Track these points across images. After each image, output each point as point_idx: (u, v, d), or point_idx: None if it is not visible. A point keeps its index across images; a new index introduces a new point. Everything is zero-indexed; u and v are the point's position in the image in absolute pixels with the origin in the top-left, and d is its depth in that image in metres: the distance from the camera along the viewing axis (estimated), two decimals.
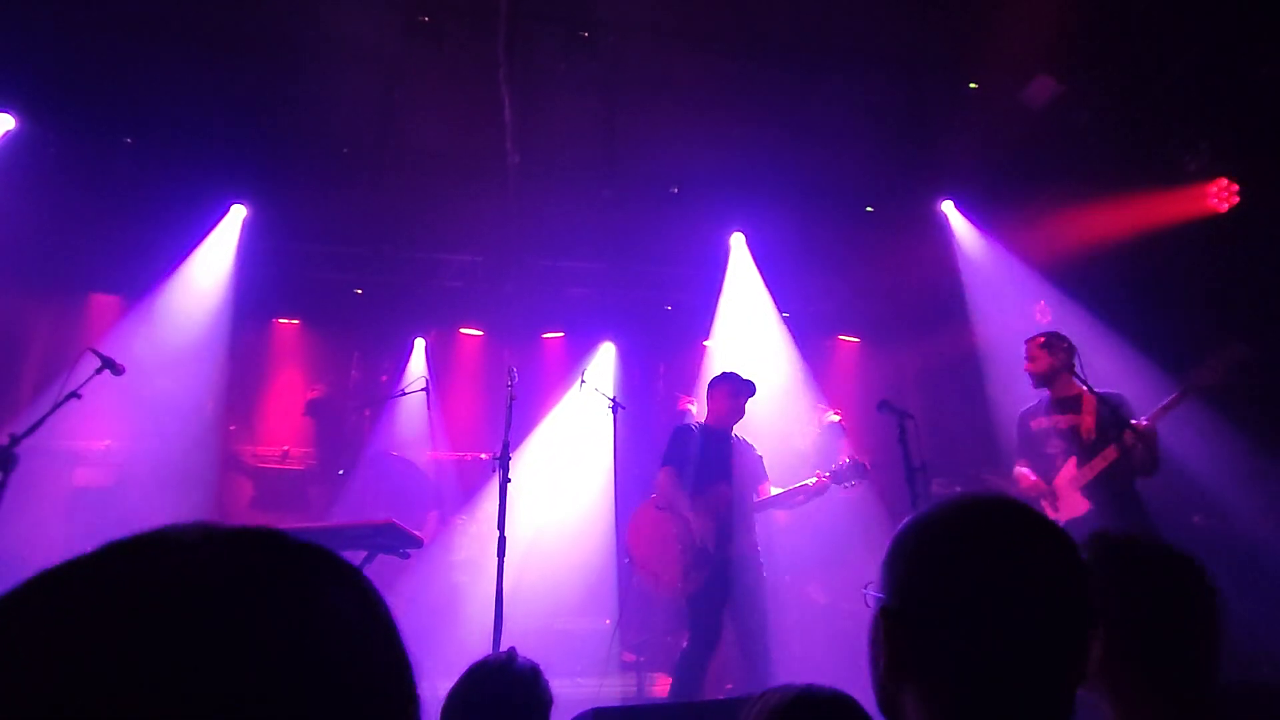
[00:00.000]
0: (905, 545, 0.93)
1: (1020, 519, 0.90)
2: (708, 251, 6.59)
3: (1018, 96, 4.96)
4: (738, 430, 4.33)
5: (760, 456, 4.39)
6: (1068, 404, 3.77)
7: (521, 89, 4.86)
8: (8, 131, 5.01)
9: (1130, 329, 4.89)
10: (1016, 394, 4.66)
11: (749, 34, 4.89)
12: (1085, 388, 3.65)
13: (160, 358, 5.74)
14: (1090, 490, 3.60)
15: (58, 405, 3.35)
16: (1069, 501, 3.65)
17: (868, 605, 0.93)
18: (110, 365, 3.57)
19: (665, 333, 7.49)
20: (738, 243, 6.56)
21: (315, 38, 4.72)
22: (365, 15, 4.63)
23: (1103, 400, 3.58)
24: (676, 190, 6.02)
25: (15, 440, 3.14)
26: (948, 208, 6.10)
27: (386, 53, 4.89)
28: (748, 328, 6.64)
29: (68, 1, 4.37)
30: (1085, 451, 3.64)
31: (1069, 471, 3.68)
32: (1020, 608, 0.84)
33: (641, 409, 7.37)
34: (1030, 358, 3.86)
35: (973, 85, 5.11)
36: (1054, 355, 3.77)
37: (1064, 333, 3.87)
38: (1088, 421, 3.66)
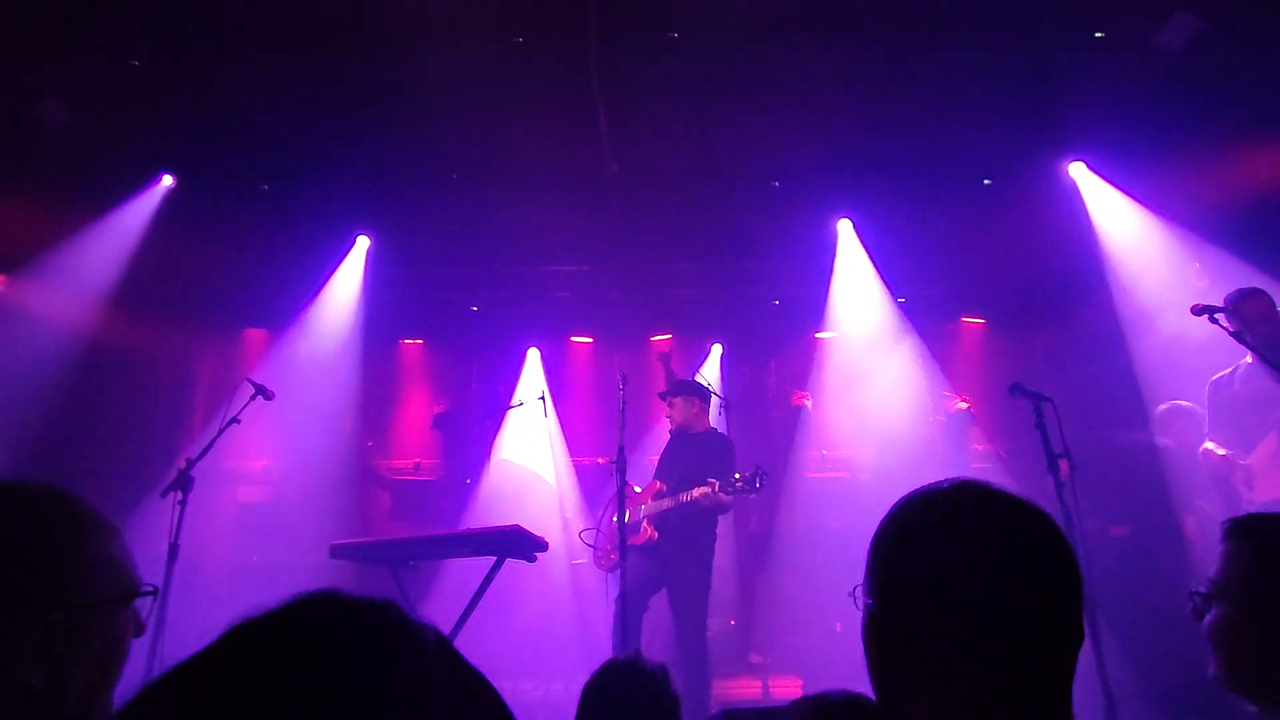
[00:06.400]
0: (880, 540, 0.87)
1: (989, 505, 0.86)
2: (814, 242, 6.40)
3: (1151, 39, 4.50)
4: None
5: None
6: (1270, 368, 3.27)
7: (614, 99, 4.92)
8: (168, 190, 5.65)
9: None
10: (1172, 366, 4.22)
11: (841, 13, 4.72)
12: None
13: (304, 383, 6.25)
14: None
15: (222, 430, 3.73)
16: (1268, 480, 3.20)
17: (857, 608, 0.86)
18: (262, 392, 3.93)
19: (774, 328, 7.36)
20: (845, 229, 6.34)
21: (419, 74, 4.99)
22: (464, 45, 4.84)
23: None
24: (777, 183, 5.90)
25: (191, 464, 3.52)
26: (1077, 170, 5.63)
27: (485, 78, 5.09)
28: (862, 316, 6.40)
29: (208, 74, 4.86)
30: None
31: (1269, 446, 3.23)
32: (1003, 601, 0.77)
33: (754, 406, 7.28)
34: (1228, 322, 3.29)
35: (1098, 35, 4.68)
36: (1248, 315, 3.26)
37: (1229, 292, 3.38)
38: None
